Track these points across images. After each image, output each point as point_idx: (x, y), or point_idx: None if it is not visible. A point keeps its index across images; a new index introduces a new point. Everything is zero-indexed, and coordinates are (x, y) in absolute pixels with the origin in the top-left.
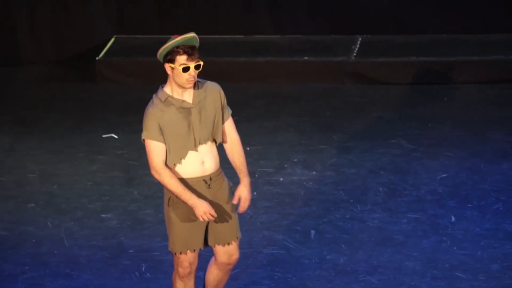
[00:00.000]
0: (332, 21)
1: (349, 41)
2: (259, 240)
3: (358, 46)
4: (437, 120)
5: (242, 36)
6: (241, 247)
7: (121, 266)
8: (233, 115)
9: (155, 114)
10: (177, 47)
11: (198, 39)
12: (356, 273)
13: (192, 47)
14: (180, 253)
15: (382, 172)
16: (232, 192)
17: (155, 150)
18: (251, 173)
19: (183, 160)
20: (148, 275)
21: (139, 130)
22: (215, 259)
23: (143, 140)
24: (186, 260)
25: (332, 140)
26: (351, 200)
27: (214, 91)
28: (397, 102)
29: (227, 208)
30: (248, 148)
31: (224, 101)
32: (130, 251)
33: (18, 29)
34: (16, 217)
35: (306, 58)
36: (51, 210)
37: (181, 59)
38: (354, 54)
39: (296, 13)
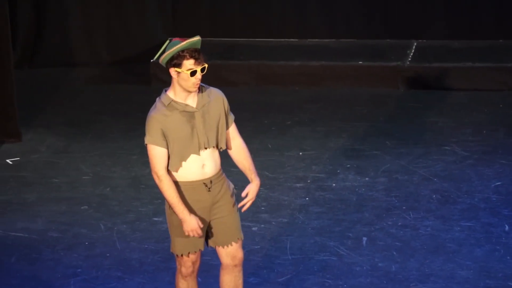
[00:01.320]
0: (388, 25)
1: (404, 45)
2: (310, 246)
3: (413, 51)
4: (492, 127)
5: (296, 40)
6: (292, 253)
7: (173, 270)
8: (286, 119)
9: (158, 119)
10: (182, 51)
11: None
12: (408, 281)
13: (198, 51)
14: (182, 255)
15: (435, 179)
16: (234, 194)
17: (157, 155)
18: (303, 178)
19: (184, 163)
20: (199, 279)
21: None
22: (221, 263)
23: (146, 144)
24: (189, 260)
25: (385, 146)
26: (404, 207)
27: (218, 98)
28: (451, 108)
29: (228, 209)
30: (300, 153)
31: (228, 108)
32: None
33: (72, 31)
34: (69, 219)
35: (360, 62)
36: (104, 212)
37: (188, 63)
38: (409, 59)
39: (351, 17)
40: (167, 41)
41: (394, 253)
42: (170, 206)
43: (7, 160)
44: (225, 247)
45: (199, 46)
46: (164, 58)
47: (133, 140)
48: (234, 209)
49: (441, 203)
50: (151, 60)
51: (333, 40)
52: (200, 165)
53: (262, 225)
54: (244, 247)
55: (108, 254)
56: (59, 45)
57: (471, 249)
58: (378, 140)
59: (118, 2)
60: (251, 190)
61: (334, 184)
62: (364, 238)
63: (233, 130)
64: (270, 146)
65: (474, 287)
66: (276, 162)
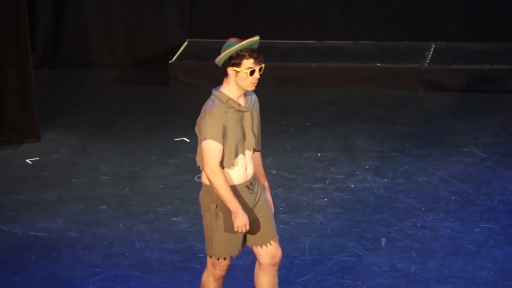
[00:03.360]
0: (406, 27)
1: (423, 47)
2: (329, 247)
3: (431, 53)
4: (511, 129)
5: (314, 41)
6: (311, 253)
7: (192, 270)
8: (304, 120)
9: (220, 115)
10: (241, 51)
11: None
12: (427, 282)
13: (257, 51)
14: (224, 258)
15: (454, 181)
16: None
17: (216, 151)
18: (322, 179)
19: (233, 164)
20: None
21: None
22: (259, 263)
23: (205, 139)
24: (226, 264)
25: (404, 147)
26: (423, 208)
27: (256, 100)
28: (470, 110)
29: (266, 208)
30: (319, 154)
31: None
32: (201, 255)
33: (92, 32)
34: (89, 218)
35: (378, 64)
36: (123, 212)
37: (248, 63)
38: (428, 61)
39: (369, 19)
40: (185, 43)
41: (414, 254)
42: (216, 211)
43: (27, 160)
44: (264, 246)
45: (257, 46)
46: (221, 58)
47: (152, 141)
48: (270, 209)
49: (460, 205)
50: (170, 61)
51: (351, 42)
52: (244, 168)
53: (281, 226)
54: None
55: (127, 254)
56: (79, 46)
57: (491, 251)
58: (396, 141)
59: (136, 3)
60: (269, 199)
61: (352, 185)
62: (383, 239)
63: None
64: (288, 147)
65: None
66: (295, 163)
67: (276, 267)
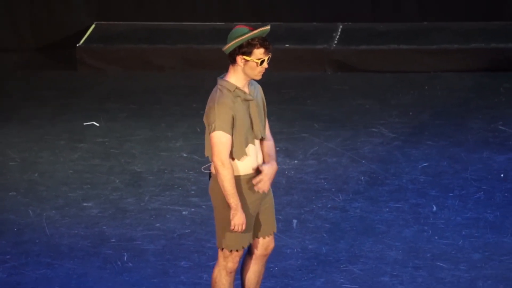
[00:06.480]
0: (313, 9)
1: (330, 28)
2: None
3: (339, 33)
4: (418, 109)
5: (222, 23)
6: None
7: (103, 255)
8: None
9: (229, 105)
10: (253, 39)
11: None
12: (338, 263)
13: (267, 40)
14: (237, 250)
15: (363, 161)
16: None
17: (227, 142)
18: None
19: (246, 153)
20: (130, 264)
21: (120, 117)
22: (252, 253)
23: (214, 131)
24: (239, 255)
25: (313, 129)
26: (333, 189)
27: (258, 87)
28: (378, 91)
29: (271, 199)
30: None
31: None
32: (112, 240)
33: None
34: None
35: (287, 45)
36: (32, 198)
37: (259, 52)
38: (335, 42)
39: (277, 0)
40: (92, 26)
41: (324, 235)
42: (223, 197)
43: None
44: (262, 238)
45: (265, 35)
46: (231, 46)
47: (60, 126)
48: (272, 201)
49: (369, 185)
50: (77, 45)
51: (259, 23)
52: (255, 156)
53: (193, 209)
54: (174, 231)
55: (37, 240)
56: None
57: (399, 230)
58: (306, 123)
59: None
60: (265, 167)
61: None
62: (294, 221)
63: (267, 120)
64: (198, 129)
65: (403, 267)
66: (205, 146)
67: (267, 257)
